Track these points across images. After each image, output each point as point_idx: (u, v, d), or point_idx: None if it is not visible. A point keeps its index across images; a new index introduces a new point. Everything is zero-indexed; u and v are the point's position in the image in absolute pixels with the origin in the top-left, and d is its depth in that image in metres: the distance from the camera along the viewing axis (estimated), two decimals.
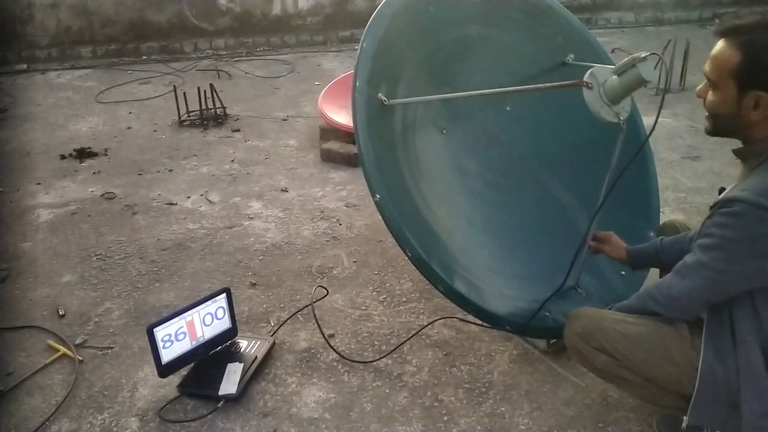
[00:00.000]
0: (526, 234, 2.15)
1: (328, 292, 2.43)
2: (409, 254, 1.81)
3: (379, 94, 1.95)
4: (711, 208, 1.46)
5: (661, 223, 2.20)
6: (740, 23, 1.38)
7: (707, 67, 1.44)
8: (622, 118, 1.75)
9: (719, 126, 1.49)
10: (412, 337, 2.19)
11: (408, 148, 2.05)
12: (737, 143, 1.51)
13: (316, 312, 2.29)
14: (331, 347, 2.13)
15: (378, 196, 1.82)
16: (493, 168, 2.22)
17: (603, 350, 1.60)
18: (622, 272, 2.15)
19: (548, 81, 1.96)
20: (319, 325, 2.18)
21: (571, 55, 2.32)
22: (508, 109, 2.29)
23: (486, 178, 2.19)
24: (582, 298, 2.02)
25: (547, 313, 1.90)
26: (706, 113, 1.50)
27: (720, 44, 1.40)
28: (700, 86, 1.49)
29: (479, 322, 2.03)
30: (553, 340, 2.06)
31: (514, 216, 2.17)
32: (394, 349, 2.13)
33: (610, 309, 1.70)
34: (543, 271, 2.04)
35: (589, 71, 1.73)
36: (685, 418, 1.53)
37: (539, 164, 2.29)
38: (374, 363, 2.08)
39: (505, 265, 2.06)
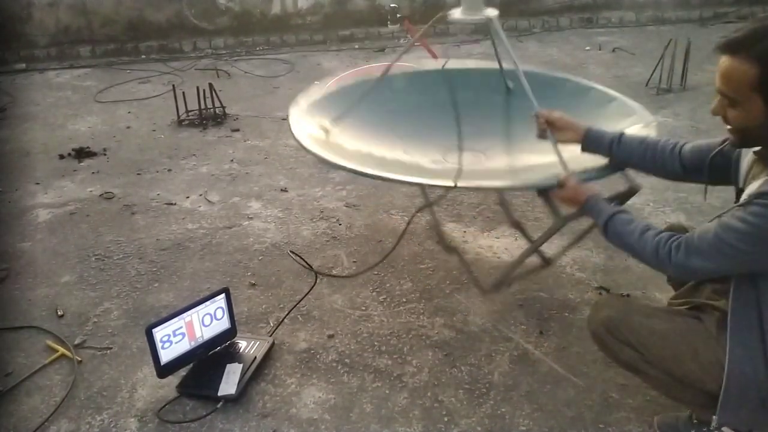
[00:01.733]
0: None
1: (311, 267, 2.47)
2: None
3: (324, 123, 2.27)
4: (748, 197, 1.39)
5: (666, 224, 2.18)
6: (745, 36, 1.32)
7: (722, 85, 1.37)
8: (490, 15, 2.20)
9: (747, 139, 1.43)
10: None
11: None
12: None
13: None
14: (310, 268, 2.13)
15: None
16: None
17: (628, 344, 1.59)
18: None
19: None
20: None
21: (511, 83, 2.48)
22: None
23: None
24: None
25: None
26: (731, 128, 1.43)
27: (729, 61, 1.34)
28: (714, 104, 1.43)
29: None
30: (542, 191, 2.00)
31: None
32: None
33: (616, 208, 1.63)
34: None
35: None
36: (714, 417, 1.51)
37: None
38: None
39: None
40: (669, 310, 1.60)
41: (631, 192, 1.94)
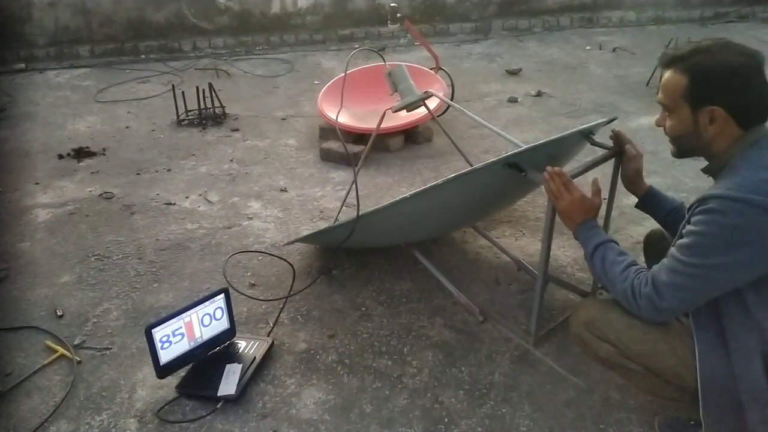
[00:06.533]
0: None
1: (293, 267, 2.42)
2: None
3: None
4: (688, 210, 1.49)
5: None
6: (681, 53, 1.51)
7: (660, 95, 1.55)
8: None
9: (682, 147, 1.58)
10: None
11: None
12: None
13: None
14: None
15: None
16: None
17: (606, 340, 1.63)
18: None
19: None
20: None
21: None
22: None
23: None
24: None
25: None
26: (669, 139, 1.59)
27: (667, 74, 1.53)
28: (658, 116, 1.60)
29: None
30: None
31: None
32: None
33: (611, 237, 1.67)
34: None
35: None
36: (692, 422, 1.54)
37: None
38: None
39: None
40: None
41: (612, 154, 1.96)
